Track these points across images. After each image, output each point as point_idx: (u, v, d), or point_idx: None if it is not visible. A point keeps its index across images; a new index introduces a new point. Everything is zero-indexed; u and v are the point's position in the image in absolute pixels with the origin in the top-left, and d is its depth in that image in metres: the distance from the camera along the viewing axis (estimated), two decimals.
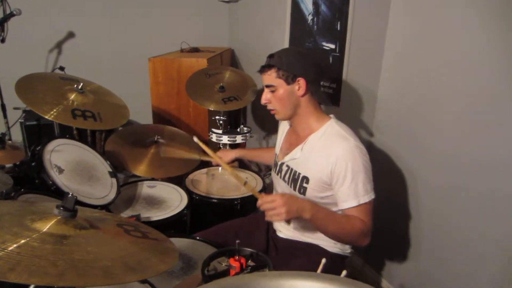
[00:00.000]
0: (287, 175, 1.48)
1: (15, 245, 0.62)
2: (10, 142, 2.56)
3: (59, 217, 0.73)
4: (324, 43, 2.10)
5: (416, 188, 1.74)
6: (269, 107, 1.45)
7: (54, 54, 3.20)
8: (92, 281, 0.58)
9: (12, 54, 2.83)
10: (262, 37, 3.00)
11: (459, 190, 1.51)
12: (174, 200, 1.87)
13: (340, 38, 1.97)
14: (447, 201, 1.57)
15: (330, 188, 1.36)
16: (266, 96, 1.43)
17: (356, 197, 1.30)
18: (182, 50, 3.09)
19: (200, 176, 2.17)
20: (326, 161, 1.33)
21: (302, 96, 1.39)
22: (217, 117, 2.32)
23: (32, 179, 1.48)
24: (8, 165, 1.99)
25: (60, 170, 1.53)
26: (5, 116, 2.54)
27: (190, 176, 2.14)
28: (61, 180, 1.49)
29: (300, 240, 1.51)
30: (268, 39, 2.86)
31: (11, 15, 2.37)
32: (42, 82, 1.72)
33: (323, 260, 1.14)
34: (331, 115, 1.46)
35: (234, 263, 0.99)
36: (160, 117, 2.77)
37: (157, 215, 1.72)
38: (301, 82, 1.36)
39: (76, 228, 0.73)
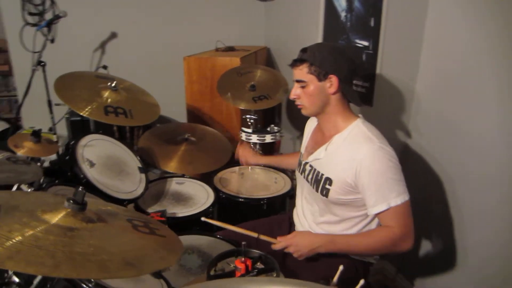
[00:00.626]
0: (310, 176, 1.44)
1: (20, 234, 0.65)
2: (54, 136, 2.72)
3: (68, 210, 0.76)
4: (357, 40, 2.03)
5: (455, 193, 1.63)
6: (297, 102, 1.42)
7: (98, 54, 3.36)
8: (85, 274, 0.59)
9: (60, 53, 3.00)
10: (296, 35, 2.96)
11: (505, 199, 1.39)
12: (200, 198, 1.89)
13: (373, 35, 1.90)
14: (491, 210, 1.45)
15: (355, 191, 1.31)
16: (295, 91, 1.39)
17: (385, 200, 1.24)
18: (217, 49, 3.12)
19: (229, 174, 2.17)
20: (350, 163, 1.28)
21: (333, 94, 1.34)
22: (248, 116, 2.32)
23: (65, 172, 1.56)
24: (51, 159, 2.11)
25: (92, 164, 1.60)
26: (51, 112, 2.70)
27: (219, 174, 2.16)
28: (92, 174, 1.56)
29: None
30: (301, 37, 2.82)
31: (58, 17, 2.51)
32: (79, 80, 1.80)
33: (340, 267, 1.10)
34: (359, 115, 1.40)
35: (240, 265, 0.98)
36: (194, 115, 2.82)
37: (182, 212, 1.75)
38: (333, 79, 1.31)
39: (83, 221, 0.75)
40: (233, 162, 2.24)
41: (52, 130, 2.89)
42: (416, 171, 1.79)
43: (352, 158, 1.28)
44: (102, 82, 1.82)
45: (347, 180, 1.30)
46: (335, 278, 1.06)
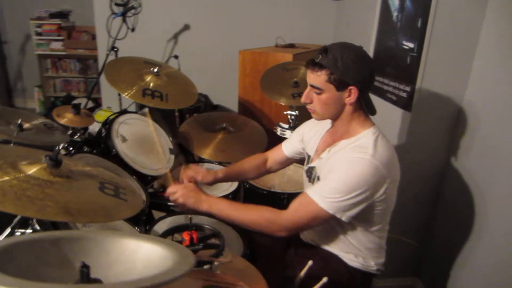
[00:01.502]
0: (316, 179, 1.39)
1: None
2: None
3: (44, 165, 0.88)
4: (404, 42, 1.92)
5: (496, 225, 1.46)
6: (309, 106, 1.34)
7: (171, 44, 3.63)
8: (22, 212, 0.70)
9: (138, 42, 3.30)
10: (358, 36, 2.87)
11: None
12: (224, 185, 1.96)
13: (419, 36, 1.77)
14: None
15: None
16: (308, 95, 1.31)
17: (320, 194, 1.19)
18: (276, 45, 3.16)
19: None
20: (334, 166, 1.25)
21: (350, 104, 1.28)
22: (289, 112, 2.33)
23: (100, 144, 1.76)
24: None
25: (124, 140, 1.77)
26: (119, 93, 3.01)
27: None
28: (122, 148, 1.73)
29: (321, 247, 1.44)
30: (361, 38, 2.72)
31: (132, 7, 2.79)
32: (129, 64, 2.00)
33: (309, 262, 1.09)
34: (374, 124, 1.32)
35: (186, 237, 1.03)
36: (244, 107, 2.90)
37: None
38: (353, 90, 1.23)
39: (52, 175, 0.87)
40: None
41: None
42: (453, 196, 1.64)
43: (338, 162, 1.24)
44: (148, 67, 1.99)
45: None
46: (302, 273, 1.05)
